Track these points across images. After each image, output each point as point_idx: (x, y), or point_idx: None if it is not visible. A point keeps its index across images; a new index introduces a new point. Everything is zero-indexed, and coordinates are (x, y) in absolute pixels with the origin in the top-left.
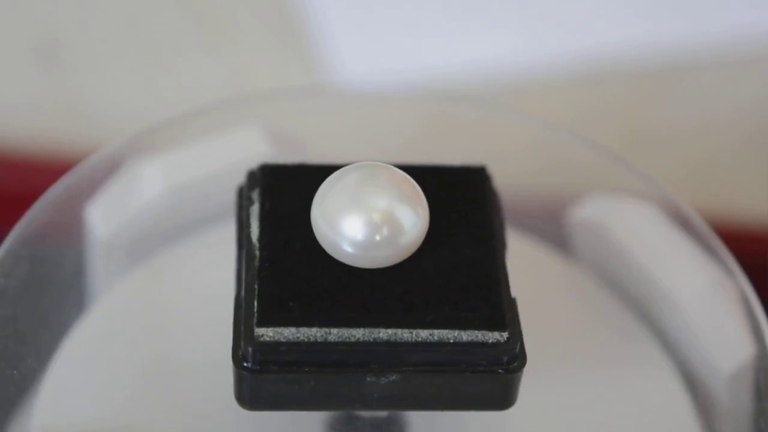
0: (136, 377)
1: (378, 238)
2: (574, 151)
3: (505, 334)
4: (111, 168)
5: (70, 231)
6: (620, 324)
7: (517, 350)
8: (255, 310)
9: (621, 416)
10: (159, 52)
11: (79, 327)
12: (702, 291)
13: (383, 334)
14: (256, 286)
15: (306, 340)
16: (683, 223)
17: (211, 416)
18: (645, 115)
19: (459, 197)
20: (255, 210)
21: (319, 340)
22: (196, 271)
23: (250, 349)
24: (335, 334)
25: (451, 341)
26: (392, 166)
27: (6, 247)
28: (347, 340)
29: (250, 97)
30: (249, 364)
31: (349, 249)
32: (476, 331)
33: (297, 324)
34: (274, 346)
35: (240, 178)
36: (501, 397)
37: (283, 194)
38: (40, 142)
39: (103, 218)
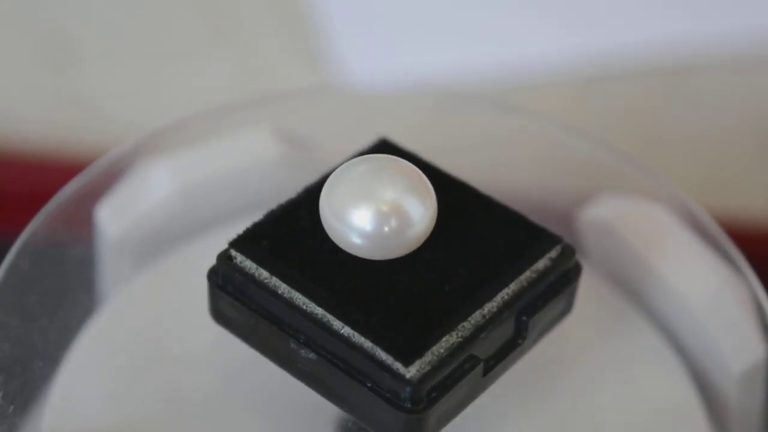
0: (146, 377)
1: (386, 229)
2: (585, 151)
3: (411, 370)
4: (121, 169)
5: (80, 232)
6: (631, 324)
7: (423, 394)
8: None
9: (631, 416)
10: (169, 54)
11: (89, 327)
12: (713, 292)
13: (318, 311)
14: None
15: (259, 279)
16: (694, 223)
17: (221, 416)
18: (657, 115)
19: (510, 246)
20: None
21: (267, 285)
22: (206, 271)
23: (219, 266)
24: (283, 289)
25: (367, 350)
26: (400, 158)
27: (17, 248)
28: (288, 299)
29: (259, 98)
30: (215, 279)
31: (357, 240)
32: (386, 353)
33: (258, 262)
34: (235, 270)
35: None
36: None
37: None
38: (51, 143)
39: (113, 219)
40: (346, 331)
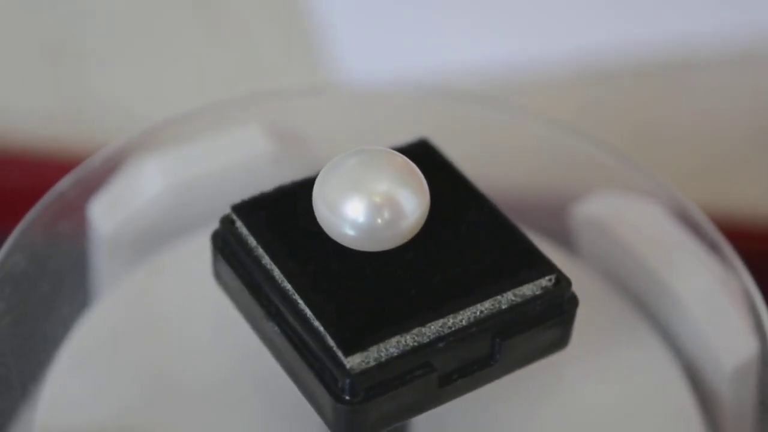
0: (139, 374)
1: (379, 221)
2: (579, 149)
3: (351, 361)
4: (114, 166)
5: (73, 228)
6: (624, 321)
7: (362, 388)
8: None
9: (624, 412)
10: (163, 50)
11: (82, 324)
12: (705, 288)
13: (288, 287)
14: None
15: (249, 246)
16: (687, 220)
17: (213, 413)
18: (650, 112)
19: (498, 266)
20: None
21: (253, 253)
22: (199, 268)
23: (221, 228)
24: (265, 261)
25: (320, 334)
26: (393, 151)
27: (10, 244)
28: (268, 271)
29: (253, 95)
30: (216, 240)
31: (350, 232)
32: (333, 340)
33: (251, 230)
34: (232, 234)
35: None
36: (337, 426)
37: None
38: (44, 140)
39: (107, 216)
40: (307, 312)
